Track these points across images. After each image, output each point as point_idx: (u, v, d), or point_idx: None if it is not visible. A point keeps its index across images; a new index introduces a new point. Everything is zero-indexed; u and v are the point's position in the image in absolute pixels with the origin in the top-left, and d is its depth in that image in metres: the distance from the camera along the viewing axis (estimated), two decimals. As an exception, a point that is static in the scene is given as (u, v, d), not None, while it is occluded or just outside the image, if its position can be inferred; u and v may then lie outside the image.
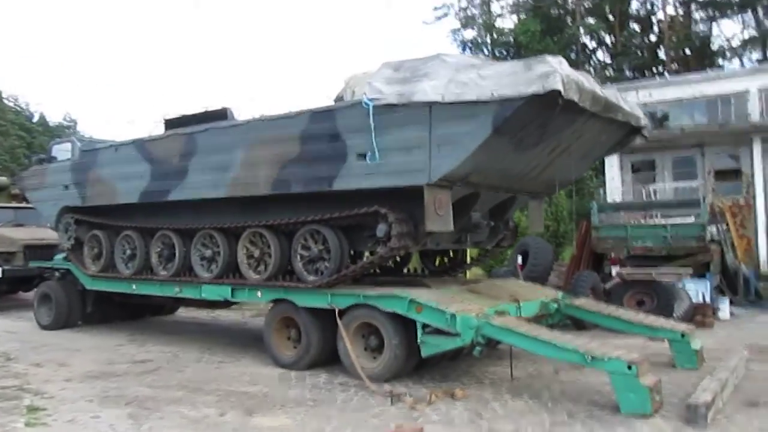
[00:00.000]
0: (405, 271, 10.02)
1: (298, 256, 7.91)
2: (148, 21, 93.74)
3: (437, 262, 9.93)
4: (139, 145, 9.48)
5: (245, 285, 8.44)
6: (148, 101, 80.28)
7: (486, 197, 7.71)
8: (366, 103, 6.81)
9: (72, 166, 10.74)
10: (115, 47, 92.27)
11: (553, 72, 5.76)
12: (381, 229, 7.10)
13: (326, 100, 8.10)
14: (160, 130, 9.57)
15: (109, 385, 7.15)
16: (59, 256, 12.51)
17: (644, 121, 7.79)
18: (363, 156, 6.94)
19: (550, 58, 6.01)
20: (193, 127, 8.76)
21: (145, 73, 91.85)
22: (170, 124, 9.38)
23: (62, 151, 11.29)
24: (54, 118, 64.78)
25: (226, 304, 10.99)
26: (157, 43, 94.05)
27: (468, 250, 9.99)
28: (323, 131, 7.28)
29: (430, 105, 6.42)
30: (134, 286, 10.10)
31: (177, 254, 9.25)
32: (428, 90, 6.44)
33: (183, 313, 13.68)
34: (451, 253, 9.84)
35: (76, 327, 11.68)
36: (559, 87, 5.70)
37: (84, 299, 11.76)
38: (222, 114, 8.71)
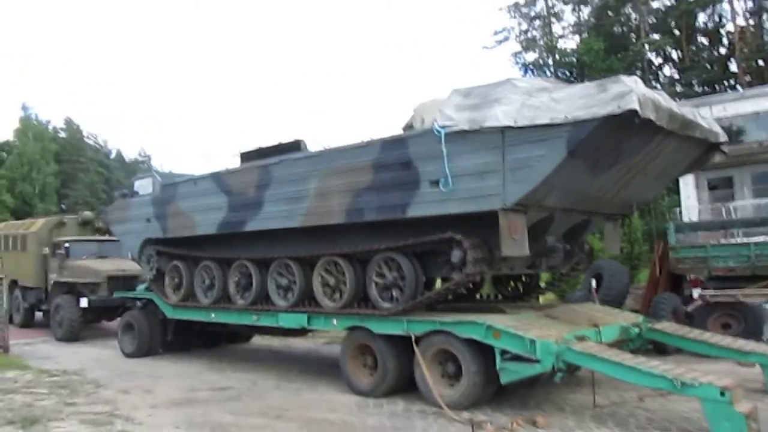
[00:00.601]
0: (478, 296, 9.95)
1: (373, 284, 7.99)
2: (220, 57, 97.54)
3: (510, 288, 9.81)
4: (217, 178, 9.84)
5: (321, 313, 8.58)
6: (221, 135, 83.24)
7: (560, 220, 7.62)
8: (438, 131, 6.89)
9: (153, 199, 11.23)
10: (191, 83, 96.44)
11: (629, 92, 5.71)
12: (456, 255, 7.12)
13: (395, 129, 8.25)
14: (236, 163, 9.91)
15: (193, 412, 7.37)
16: (141, 287, 13.04)
17: (723, 137, 7.56)
18: (436, 183, 6.99)
19: (624, 78, 5.96)
20: (267, 159, 9.03)
21: (219, 107, 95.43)
22: (246, 157, 9.70)
23: (143, 186, 11.83)
24: (130, 154, 67.90)
25: (301, 332, 11.16)
26: (231, 78, 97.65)
27: (541, 275, 9.85)
28: (395, 159, 7.39)
29: (503, 130, 6.44)
30: (213, 315, 10.40)
31: (254, 283, 9.50)
32: (500, 115, 6.46)
33: (258, 341, 13.95)
34: (524, 279, 9.71)
35: (157, 355, 12.08)
36: (636, 106, 5.64)
37: (165, 328, 12.17)
38: (295, 146, 8.97)
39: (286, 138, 9.31)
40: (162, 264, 11.34)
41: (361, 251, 8.04)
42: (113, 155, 66.45)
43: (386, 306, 7.79)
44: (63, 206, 51.49)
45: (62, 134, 59.39)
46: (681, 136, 6.70)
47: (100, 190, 57.64)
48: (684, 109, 6.80)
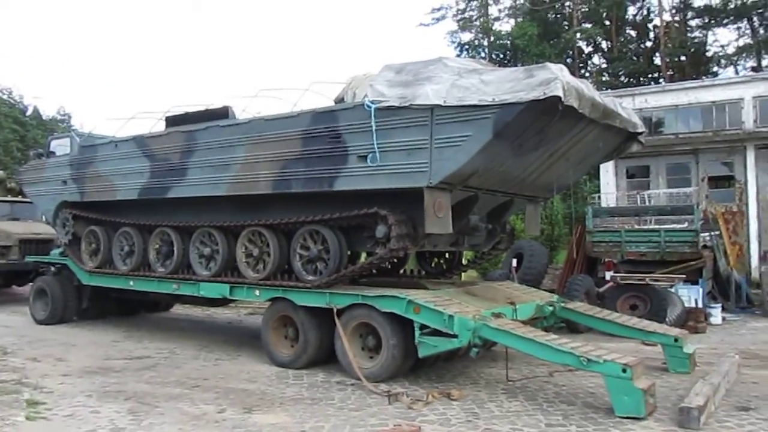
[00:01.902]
0: (401, 272, 10.09)
1: (297, 256, 7.97)
2: (147, 19, 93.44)
3: (433, 264, 10.00)
4: (140, 141, 9.50)
5: (244, 283, 8.49)
6: (145, 99, 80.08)
7: (484, 200, 7.79)
8: (368, 106, 6.89)
9: (71, 161, 10.75)
10: (114, 43, 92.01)
11: (554, 79, 5.88)
12: (381, 230, 7.18)
13: (326, 101, 8.19)
14: (160, 127, 9.59)
15: (107, 381, 7.19)
16: (56, 251, 12.53)
17: (641, 127, 7.90)
18: (364, 157, 7.01)
19: (551, 65, 6.14)
20: (194, 125, 8.79)
21: (143, 70, 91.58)
22: (171, 121, 9.40)
23: (60, 146, 11.30)
24: (48, 112, 64.45)
25: (223, 302, 11.04)
26: (157, 41, 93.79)
27: (464, 253, 10.08)
28: (325, 132, 7.34)
29: (432, 108, 6.50)
30: (132, 283, 10.12)
31: (175, 251, 9.30)
32: (430, 93, 6.52)
33: (178, 310, 13.71)
34: (447, 256, 9.92)
35: (71, 322, 11.69)
36: (560, 93, 5.82)
37: (80, 295, 11.78)
38: (223, 113, 8.75)
39: (212, 105, 9.05)
40: (78, 228, 10.92)
41: (287, 223, 7.99)
42: (29, 112, 62.95)
43: (310, 278, 7.79)
44: (-27, 164, 48.52)
45: (-27, 88, 55.74)
46: (602, 124, 6.97)
47: (15, 149, 54.59)
48: (606, 98, 7.05)
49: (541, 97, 5.87)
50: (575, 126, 6.79)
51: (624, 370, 5.68)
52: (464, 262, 10.22)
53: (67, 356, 8.65)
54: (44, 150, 11.62)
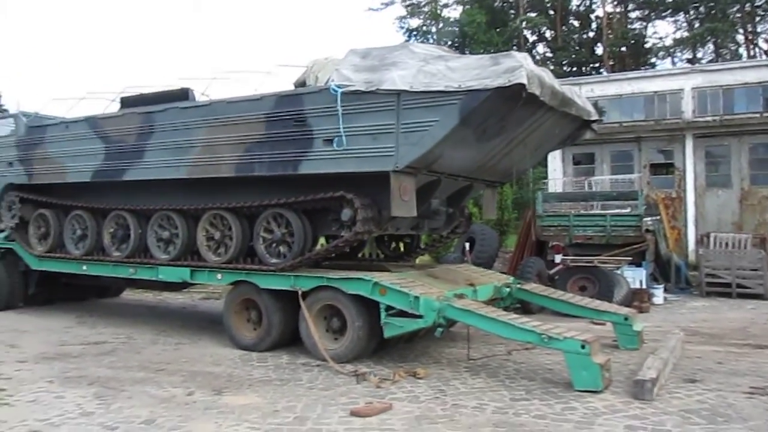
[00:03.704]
0: (360, 256, 10.19)
1: (261, 239, 7.97)
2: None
3: (392, 248, 10.14)
4: (93, 122, 9.26)
5: (205, 267, 8.44)
6: (89, 81, 77.11)
7: (446, 184, 7.95)
8: (334, 90, 6.92)
9: (17, 141, 10.38)
10: (47, 21, 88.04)
11: (519, 67, 6.06)
12: (346, 214, 7.25)
13: (287, 85, 8.17)
14: (104, 109, 9.40)
15: (67, 366, 7.06)
16: (0, 235, 12.07)
17: (595, 115, 8.20)
18: (330, 141, 7.05)
19: (516, 54, 6.33)
20: (152, 106, 8.63)
21: (86, 51, 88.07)
22: (127, 102, 9.20)
23: (4, 126, 10.90)
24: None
25: (178, 287, 10.93)
26: (103, 20, 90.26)
27: (421, 237, 10.25)
28: (289, 115, 7.34)
29: (399, 93, 6.59)
30: (85, 267, 9.89)
31: (132, 235, 9.15)
32: (396, 79, 6.61)
33: (129, 295, 13.48)
34: (406, 240, 10.07)
35: (18, 309, 11.33)
36: (524, 81, 6.00)
37: (27, 280, 11.43)
38: (183, 94, 8.63)
39: (170, 87, 8.89)
40: (26, 212, 10.57)
41: (250, 206, 7.97)
42: (-44, 90, 59.83)
43: (273, 261, 7.81)
44: None
45: None
46: (559, 112, 7.21)
47: (-58, 129, 52.00)
48: (564, 87, 7.30)
49: (506, 84, 6.03)
50: (535, 113, 7.00)
51: (583, 347, 5.97)
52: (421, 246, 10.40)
53: (20, 343, 8.42)
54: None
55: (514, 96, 6.18)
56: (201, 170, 8.13)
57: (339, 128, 6.94)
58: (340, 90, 6.90)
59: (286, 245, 7.82)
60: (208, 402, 5.66)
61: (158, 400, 5.74)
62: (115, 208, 9.33)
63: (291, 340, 7.80)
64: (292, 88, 8.04)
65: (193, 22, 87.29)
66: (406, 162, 6.68)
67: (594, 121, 8.24)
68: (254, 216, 8.10)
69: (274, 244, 7.91)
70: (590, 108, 8.11)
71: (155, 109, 8.56)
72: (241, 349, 7.93)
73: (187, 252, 8.68)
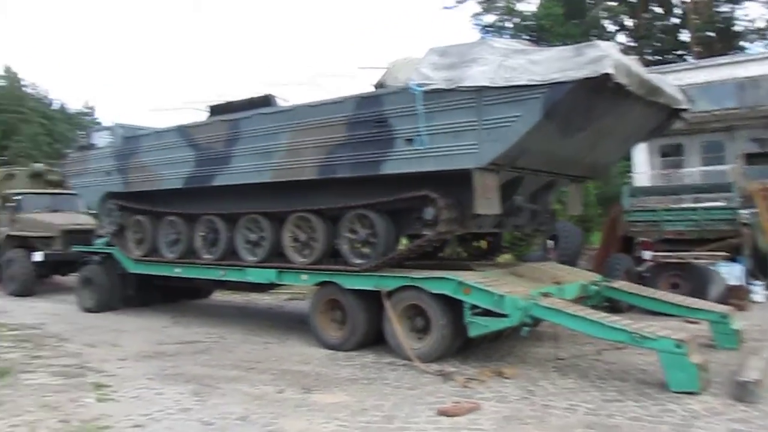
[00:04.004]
0: (441, 255, 10.15)
1: (345, 240, 8.08)
2: (168, 15, 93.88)
3: (474, 247, 10.03)
4: (183, 131, 9.68)
5: (291, 268, 8.64)
6: (167, 90, 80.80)
7: (529, 181, 7.82)
8: (414, 89, 6.94)
9: (114, 152, 10.95)
10: (134, 36, 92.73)
11: (605, 56, 5.89)
12: (429, 213, 7.26)
13: (366, 87, 8.24)
14: (191, 118, 9.80)
15: (164, 365, 7.40)
16: (100, 241, 12.81)
17: (685, 103, 7.85)
18: (411, 141, 7.08)
19: (600, 43, 6.18)
20: (238, 113, 8.92)
21: (166, 62, 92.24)
22: (214, 110, 9.55)
23: (103, 138, 11.53)
24: (73, 106, 65.32)
25: (265, 288, 11.24)
26: (178, 32, 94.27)
27: (503, 235, 10.10)
28: (370, 117, 7.42)
29: (479, 90, 6.54)
30: (178, 270, 10.34)
31: (221, 239, 9.48)
32: (477, 75, 6.56)
33: (218, 297, 13.97)
34: (488, 238, 9.93)
35: (117, 310, 11.95)
36: (611, 71, 5.83)
37: (125, 283, 12.03)
38: (266, 101, 8.89)
39: (255, 94, 9.20)
40: (124, 218, 11.15)
41: (334, 208, 8.09)
42: (55, 106, 63.86)
43: (358, 262, 7.91)
44: (4, 158, 49.43)
45: (1, 82, 56.67)
46: (647, 101, 6.95)
47: (43, 143, 55.49)
48: (651, 75, 7.03)
49: (591, 75, 5.88)
50: (622, 104, 6.78)
51: (678, 346, 5.74)
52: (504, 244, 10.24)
53: (121, 342, 8.89)
54: (86, 142, 11.84)
55: (599, 87, 6.03)
56: (285, 174, 8.34)
57: (420, 127, 6.97)
58: (420, 89, 6.91)
59: (369, 246, 7.90)
60: (298, 400, 5.81)
61: (251, 397, 5.93)
62: (205, 213, 9.70)
63: (375, 340, 7.88)
64: (373, 89, 8.12)
65: (277, 29, 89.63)
66: (489, 159, 6.62)
67: (684, 110, 7.90)
68: (338, 217, 8.23)
69: (358, 245, 8.01)
70: (679, 96, 7.77)
71: (241, 116, 8.85)
72: (327, 348, 8.07)
73: (273, 254, 8.92)
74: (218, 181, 9.17)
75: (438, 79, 6.85)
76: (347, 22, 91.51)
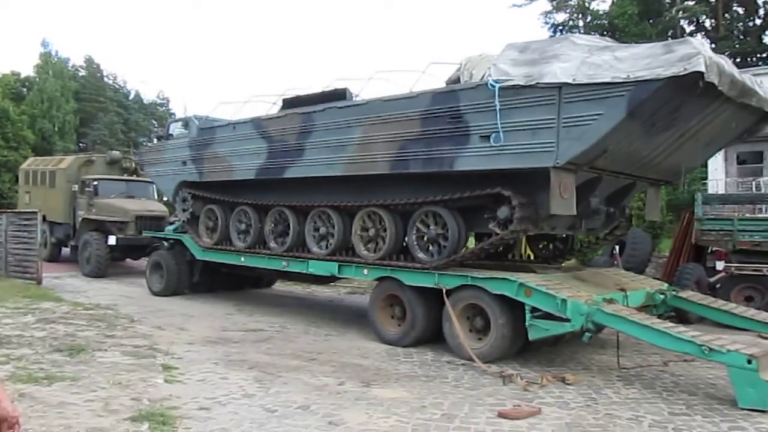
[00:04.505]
0: (510, 256, 10.01)
1: (414, 237, 8.04)
2: (239, 9, 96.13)
3: (543, 248, 9.84)
4: (257, 123, 9.82)
5: (352, 262, 8.72)
6: (240, 82, 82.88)
7: (607, 182, 7.58)
8: (492, 85, 6.80)
9: (190, 142, 11.27)
10: (213, 29, 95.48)
11: (697, 53, 5.62)
12: (503, 212, 7.13)
13: (438, 83, 8.15)
14: (266, 110, 9.94)
15: (229, 350, 7.62)
16: (170, 228, 13.28)
17: None
18: (487, 137, 6.93)
19: (692, 40, 5.88)
20: (311, 106, 8.96)
21: (238, 54, 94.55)
22: (288, 103, 9.66)
23: (179, 128, 11.92)
24: (149, 96, 67.79)
25: (327, 280, 11.41)
26: (253, 25, 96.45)
27: (575, 237, 9.84)
28: (445, 112, 7.30)
29: (560, 87, 6.35)
30: (243, 259, 10.60)
31: (291, 230, 9.60)
32: (558, 72, 6.37)
33: (280, 287, 14.27)
34: (558, 241, 9.72)
35: (184, 295, 12.38)
36: (703, 69, 5.57)
37: (192, 269, 12.44)
38: (341, 94, 8.88)
39: (327, 87, 9.19)
40: (197, 207, 11.44)
41: (405, 203, 8.05)
42: (132, 96, 66.39)
43: (426, 259, 7.86)
44: (82, 145, 51.77)
45: (82, 72, 59.25)
46: (738, 103, 6.59)
47: (119, 131, 57.82)
48: (744, 75, 6.62)
49: (681, 73, 5.63)
50: (711, 104, 6.47)
51: (749, 361, 5.53)
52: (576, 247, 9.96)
53: (188, 326, 9.21)
54: (164, 132, 12.26)
55: (689, 86, 5.76)
56: (357, 167, 8.32)
57: (497, 124, 6.81)
58: (498, 85, 6.77)
59: (437, 243, 7.84)
60: (358, 393, 5.88)
61: (312, 387, 6.05)
62: (276, 205, 9.84)
63: (433, 337, 7.89)
64: (445, 85, 8.00)
65: (344, 25, 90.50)
66: (567, 158, 6.44)
67: None
68: (408, 213, 8.18)
69: (427, 242, 7.94)
70: None
71: (314, 109, 8.86)
72: (385, 343, 8.14)
73: (342, 247, 8.96)
74: (290, 173, 9.25)
75: (517, 75, 6.69)
76: (414, 20, 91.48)
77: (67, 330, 8.40)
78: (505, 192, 7.06)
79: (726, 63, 6.17)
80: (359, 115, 8.24)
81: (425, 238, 7.96)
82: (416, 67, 8.01)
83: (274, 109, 10.01)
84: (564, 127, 6.38)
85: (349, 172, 8.45)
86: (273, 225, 10.00)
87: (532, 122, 6.60)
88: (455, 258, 7.63)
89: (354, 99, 8.75)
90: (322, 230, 9.19)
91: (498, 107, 6.77)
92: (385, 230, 8.39)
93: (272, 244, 9.96)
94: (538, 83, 6.49)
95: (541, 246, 9.87)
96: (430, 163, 7.50)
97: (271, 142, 9.53)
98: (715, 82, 5.78)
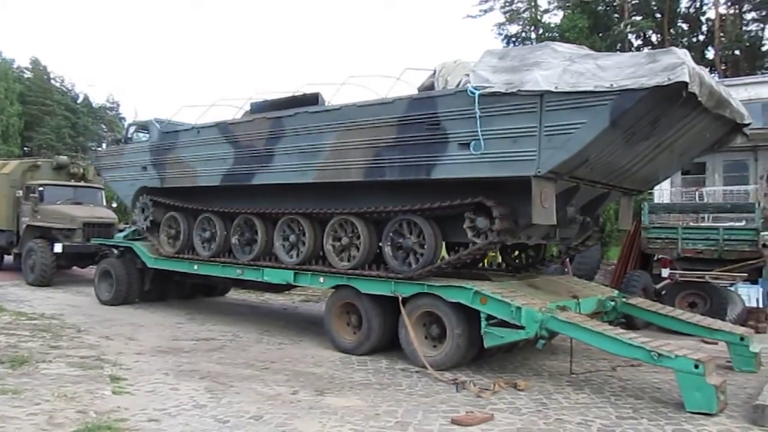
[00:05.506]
0: (480, 266, 10.02)
1: (389, 246, 7.89)
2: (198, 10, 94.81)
3: (515, 258, 9.85)
4: (224, 127, 9.51)
5: (308, 270, 8.63)
6: (192, 87, 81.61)
7: (584, 192, 7.58)
8: (472, 91, 6.72)
9: (151, 147, 10.87)
10: (164, 32, 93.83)
11: (681, 64, 5.66)
12: (482, 222, 7.06)
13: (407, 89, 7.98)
14: (242, 113, 9.65)
15: (180, 360, 7.47)
16: (120, 234, 12.95)
17: (748, 118, 7.50)
18: (466, 145, 6.83)
19: (676, 50, 5.92)
20: (282, 111, 8.75)
21: (191, 58, 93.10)
22: (256, 108, 9.42)
23: (139, 132, 11.57)
24: (98, 100, 66.20)
25: (282, 288, 11.29)
26: (207, 28, 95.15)
27: (547, 247, 9.80)
28: (423, 119, 7.17)
29: (542, 95, 6.31)
30: (196, 267, 10.37)
31: (259, 238, 9.34)
32: (540, 79, 6.31)
33: (233, 295, 14.06)
34: (529, 250, 9.71)
35: (134, 304, 12.06)
36: (687, 79, 5.60)
37: (143, 277, 12.14)
38: (313, 99, 8.69)
39: (298, 92, 9.00)
40: (158, 214, 11.05)
41: (380, 212, 7.91)
42: (80, 100, 64.77)
43: (403, 269, 7.70)
44: (26, 149, 50.21)
45: (27, 74, 57.56)
46: (713, 114, 6.67)
47: (67, 135, 56.30)
48: (720, 86, 6.74)
49: (665, 83, 5.66)
50: (689, 114, 6.53)
51: (696, 366, 5.69)
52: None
53: (137, 336, 8.98)
54: (122, 136, 11.90)
55: (672, 96, 5.81)
56: (330, 174, 8.11)
57: (477, 131, 6.71)
58: (478, 92, 6.68)
59: (414, 253, 7.70)
60: (311, 401, 5.83)
61: (265, 397, 5.97)
62: (243, 212, 9.55)
63: (390, 345, 7.88)
64: (416, 92, 7.86)
65: (307, 30, 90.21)
66: (549, 166, 6.37)
67: (747, 125, 7.57)
68: (383, 222, 8.03)
69: (402, 251, 7.81)
70: (743, 110, 7.41)
71: (285, 113, 8.66)
72: (340, 351, 8.10)
73: (313, 256, 8.75)
74: (258, 180, 8.99)
75: (497, 82, 6.61)
76: (368, 30, 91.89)
77: (9, 341, 8.10)
78: (488, 202, 6.94)
79: (705, 74, 6.22)
80: (332, 121, 8.02)
81: (400, 247, 7.82)
82: (388, 73, 7.86)
83: (241, 114, 9.76)
84: (546, 135, 6.32)
85: (321, 179, 8.22)
86: (240, 233, 9.70)
87: (513, 130, 6.51)
88: (432, 268, 7.49)
89: (326, 104, 8.51)
90: (292, 238, 8.96)
91: (478, 114, 6.67)
92: (358, 238, 8.21)
93: (240, 253, 9.66)
94: (519, 91, 6.41)
95: (513, 255, 9.84)
96: (407, 170, 7.34)
97: (239, 148, 9.23)
98: (697, 92, 5.81)
